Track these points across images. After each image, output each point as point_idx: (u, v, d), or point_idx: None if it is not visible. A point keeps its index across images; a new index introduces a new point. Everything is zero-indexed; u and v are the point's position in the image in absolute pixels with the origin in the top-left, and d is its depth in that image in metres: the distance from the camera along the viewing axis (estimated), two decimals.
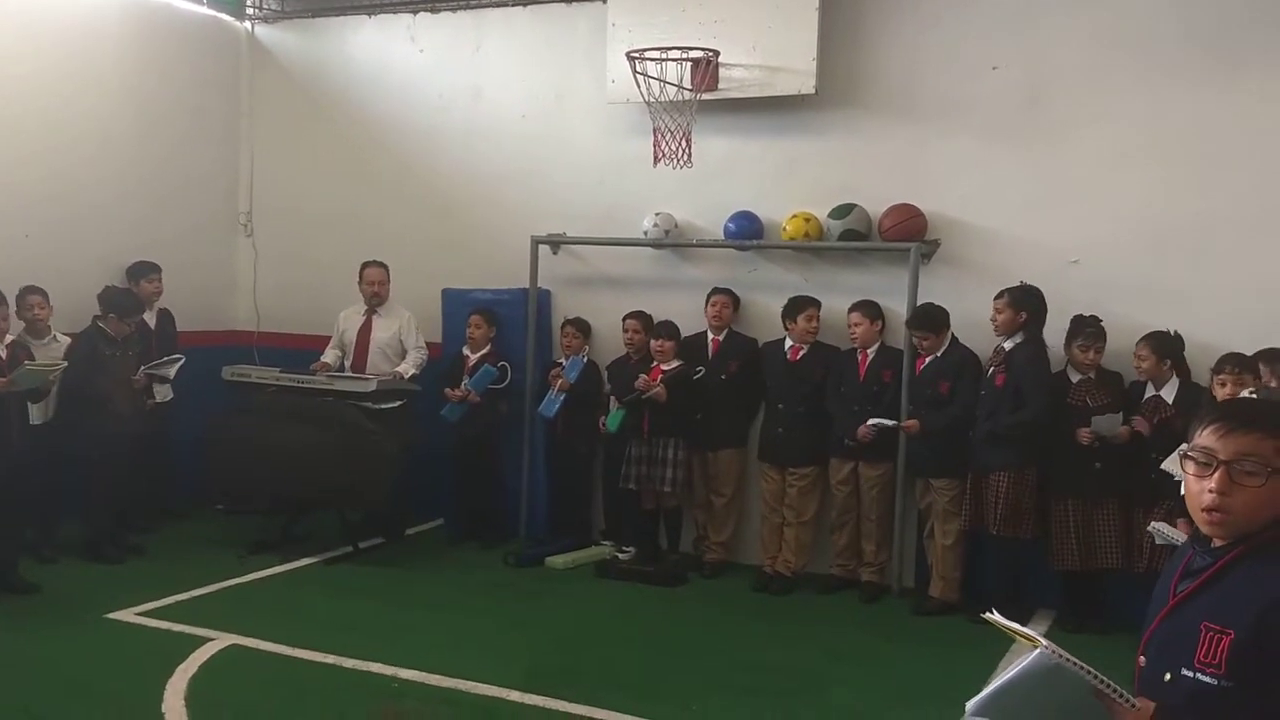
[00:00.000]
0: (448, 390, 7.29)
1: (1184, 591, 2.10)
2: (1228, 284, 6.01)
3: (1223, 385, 5.20)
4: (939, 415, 6.28)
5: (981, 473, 6.09)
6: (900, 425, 6.36)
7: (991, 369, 6.13)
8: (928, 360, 6.39)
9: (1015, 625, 2.07)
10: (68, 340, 6.65)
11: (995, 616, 2.13)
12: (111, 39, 7.69)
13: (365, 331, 7.52)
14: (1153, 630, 2.15)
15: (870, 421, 6.35)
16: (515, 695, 4.86)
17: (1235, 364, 5.22)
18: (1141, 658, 2.16)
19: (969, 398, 6.21)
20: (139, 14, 7.88)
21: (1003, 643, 5.63)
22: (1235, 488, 2.00)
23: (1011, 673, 2.00)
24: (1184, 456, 2.09)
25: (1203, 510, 2.04)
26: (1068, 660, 1.96)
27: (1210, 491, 2.02)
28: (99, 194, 7.60)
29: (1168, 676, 2.05)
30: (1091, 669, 1.97)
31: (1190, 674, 2.00)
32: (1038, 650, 1.97)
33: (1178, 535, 4.22)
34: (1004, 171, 6.52)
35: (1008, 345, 6.09)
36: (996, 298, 6.12)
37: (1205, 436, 2.06)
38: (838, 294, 6.77)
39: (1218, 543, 2.07)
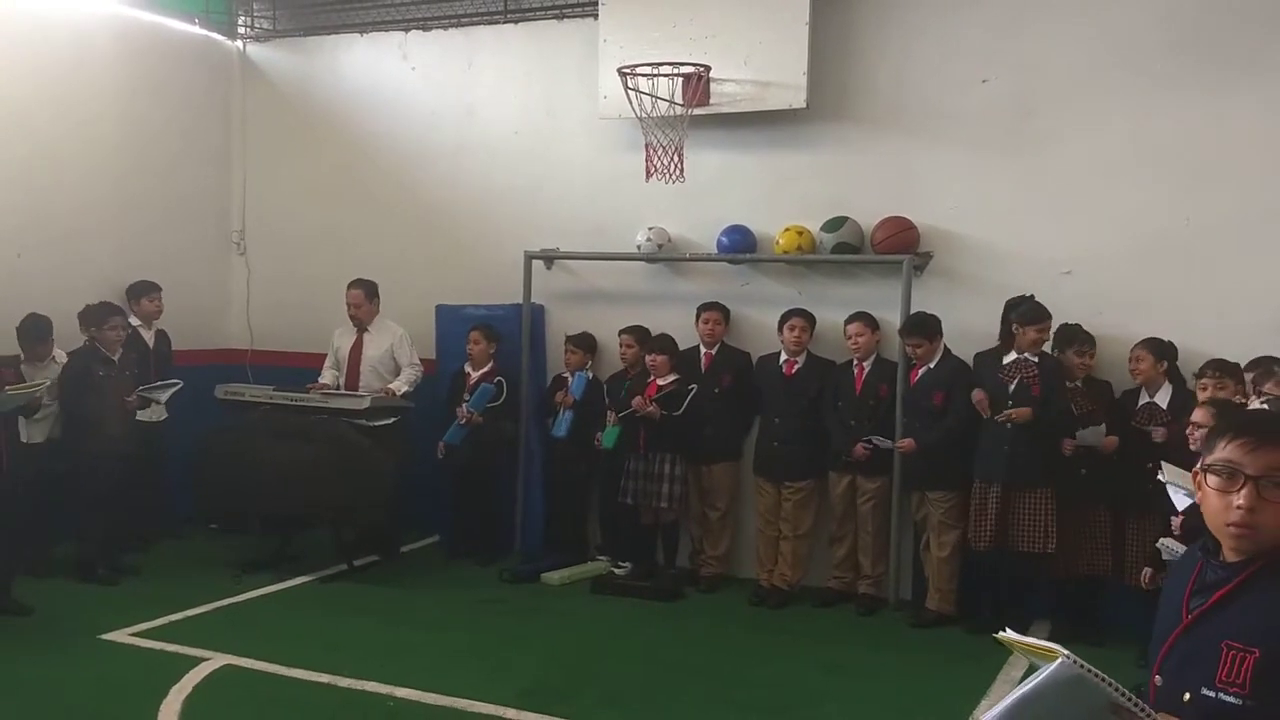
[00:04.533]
0: (459, 410, 7.24)
1: (1199, 608, 2.01)
2: (1218, 292, 6.04)
3: (1204, 389, 5.25)
4: (933, 431, 6.27)
5: (1012, 488, 5.94)
6: (896, 446, 6.35)
7: (1020, 379, 5.98)
8: (921, 372, 6.40)
9: (1031, 640, 1.99)
10: (64, 359, 6.64)
11: (1010, 635, 2.05)
12: (103, 59, 7.69)
13: (356, 350, 7.52)
14: (1168, 648, 2.05)
15: (870, 439, 6.35)
16: (511, 713, 4.84)
17: (1217, 369, 5.28)
18: (1157, 677, 2.06)
19: (963, 409, 6.21)
20: (130, 34, 7.90)
21: (999, 655, 5.63)
22: (1263, 503, 1.92)
23: (1031, 684, 1.91)
24: (1204, 470, 2.00)
25: (1229, 526, 1.96)
26: (1090, 671, 1.87)
27: (1238, 507, 1.94)
28: (91, 214, 7.60)
29: (1186, 697, 1.97)
30: (1113, 681, 1.89)
31: (1211, 694, 1.92)
32: (1059, 660, 1.89)
33: (1182, 549, 4.21)
34: (995, 183, 6.55)
35: (1033, 357, 6.03)
36: (1040, 326, 5.96)
37: (1229, 450, 1.97)
38: (831, 307, 6.79)
39: (1233, 556, 1.98)
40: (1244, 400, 5.20)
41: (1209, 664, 1.93)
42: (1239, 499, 1.94)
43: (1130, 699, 1.87)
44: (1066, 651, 1.88)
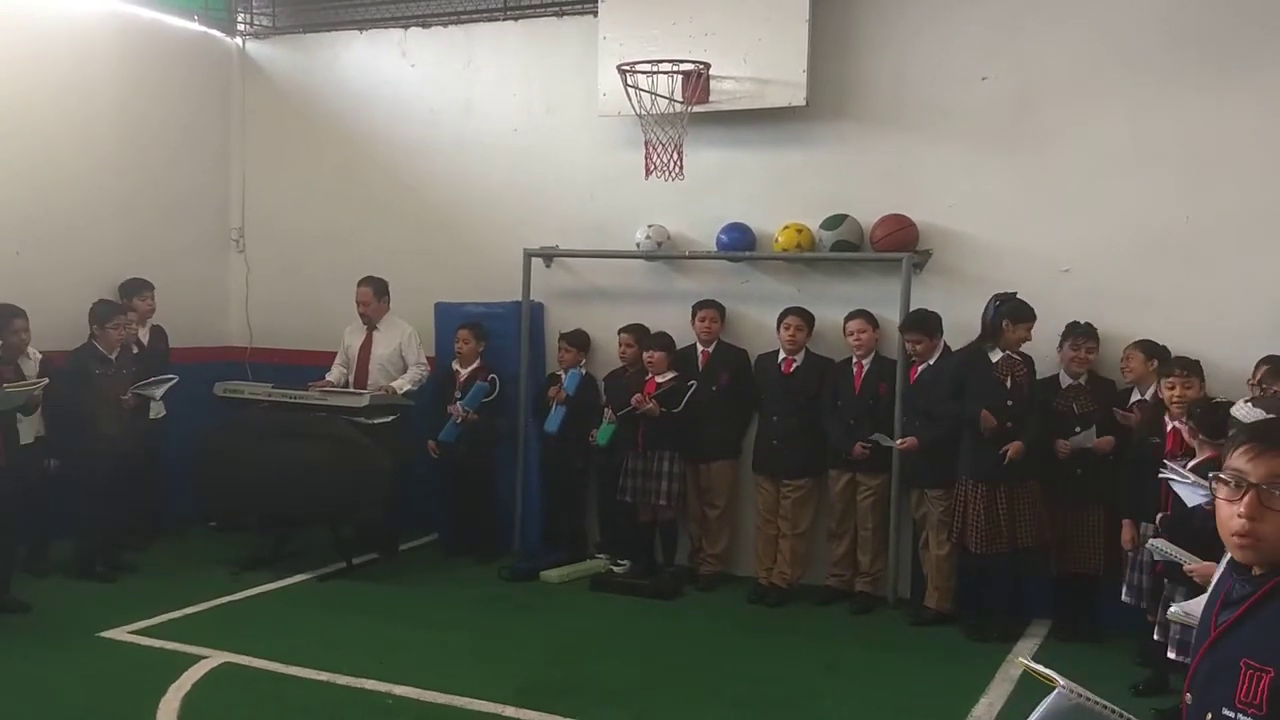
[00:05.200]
0: (451, 408, 7.24)
1: (1224, 624, 1.97)
2: (1217, 291, 6.03)
3: (1171, 387, 5.26)
4: (934, 428, 6.25)
5: (1012, 486, 5.95)
6: (897, 444, 6.31)
7: (1012, 376, 5.99)
8: (921, 369, 6.39)
9: (1039, 667, 2.02)
10: (39, 356, 6.56)
11: (1025, 661, 2.09)
12: (103, 55, 7.68)
13: (365, 348, 7.51)
14: (1196, 665, 2.02)
15: (872, 436, 6.35)
16: (510, 711, 4.84)
17: (1182, 367, 5.31)
18: (1188, 695, 2.02)
19: (939, 407, 6.18)
20: (130, 30, 7.89)
21: (997, 653, 5.65)
22: (1266, 512, 1.89)
23: (1034, 715, 1.95)
24: (1214, 479, 1.99)
25: (1232, 535, 1.94)
26: (1087, 699, 1.90)
27: (1240, 516, 1.91)
28: (90, 210, 7.59)
29: (1209, 717, 1.92)
30: (1114, 707, 1.91)
31: (1231, 714, 1.87)
32: (1056, 690, 1.92)
33: (1177, 552, 4.21)
34: (994, 181, 6.54)
35: (1017, 355, 6.07)
36: (1029, 324, 5.98)
37: (1236, 458, 1.96)
38: (830, 305, 6.78)
39: (1258, 570, 1.94)
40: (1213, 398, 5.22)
41: (1230, 682, 1.89)
42: (1240, 507, 1.92)
43: None
44: (1064, 680, 1.90)
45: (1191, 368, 5.30)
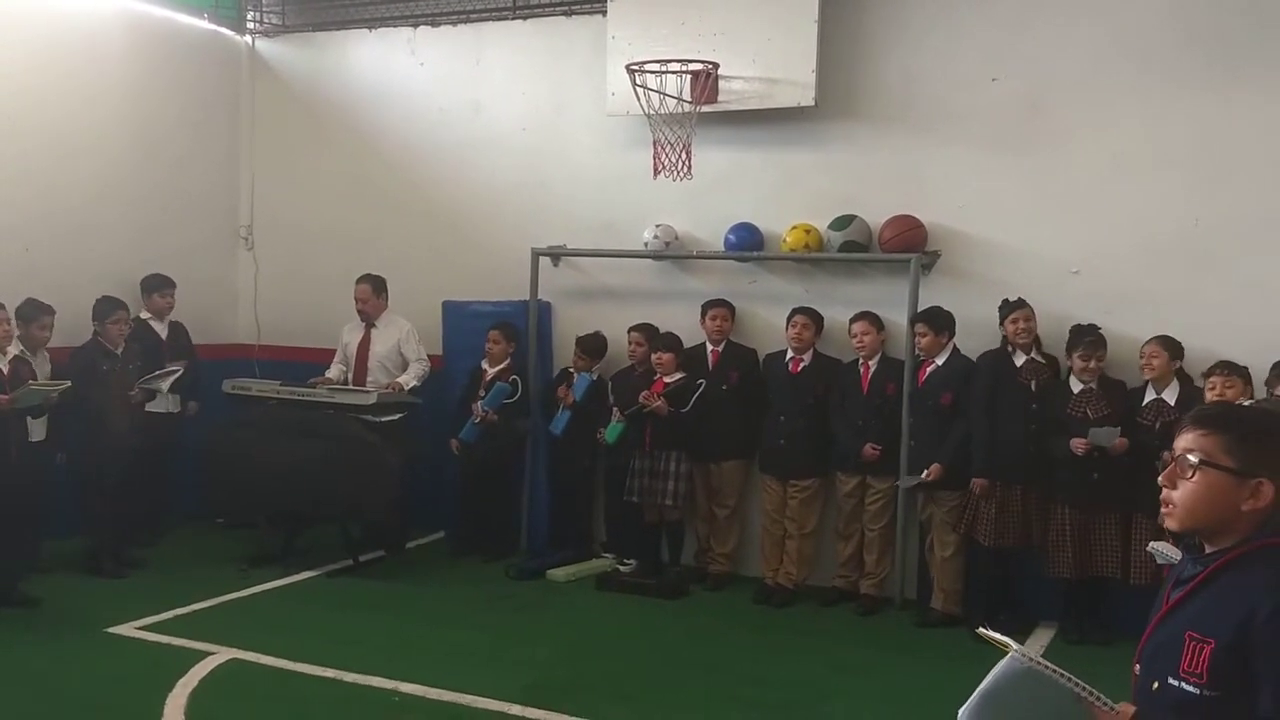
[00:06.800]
0: (473, 406, 7.24)
1: (1174, 600, 2.12)
2: (1228, 292, 6.01)
3: (1213, 388, 5.33)
4: (946, 448, 6.18)
5: (1032, 484, 6.08)
6: (924, 478, 6.24)
7: (1035, 380, 6.07)
8: (929, 370, 6.38)
9: (994, 634, 2.11)
10: (47, 354, 6.58)
11: (984, 631, 2.17)
12: (112, 53, 7.71)
13: (364, 345, 7.52)
14: (1146, 638, 2.16)
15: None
16: (516, 709, 4.85)
17: (1226, 369, 5.38)
18: (1136, 666, 2.17)
19: (973, 410, 6.18)
20: (140, 28, 7.91)
21: (1003, 656, 5.62)
22: (1180, 481, 2.07)
23: (988, 678, 2.02)
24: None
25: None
26: (1038, 664, 1.97)
27: (1162, 484, 2.11)
28: (99, 207, 7.61)
29: (1155, 685, 2.06)
30: (1065, 673, 1.98)
31: (1175, 683, 2.01)
32: (1009, 655, 1.99)
33: (1176, 553, 4.20)
34: (1004, 182, 6.53)
35: (1040, 357, 6.13)
36: (1024, 311, 6.08)
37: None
38: (838, 305, 6.77)
39: (1209, 549, 2.08)
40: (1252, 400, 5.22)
41: (1174, 654, 2.03)
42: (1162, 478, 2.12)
43: (1086, 689, 1.97)
44: (1017, 646, 1.99)
45: (1235, 369, 5.36)
